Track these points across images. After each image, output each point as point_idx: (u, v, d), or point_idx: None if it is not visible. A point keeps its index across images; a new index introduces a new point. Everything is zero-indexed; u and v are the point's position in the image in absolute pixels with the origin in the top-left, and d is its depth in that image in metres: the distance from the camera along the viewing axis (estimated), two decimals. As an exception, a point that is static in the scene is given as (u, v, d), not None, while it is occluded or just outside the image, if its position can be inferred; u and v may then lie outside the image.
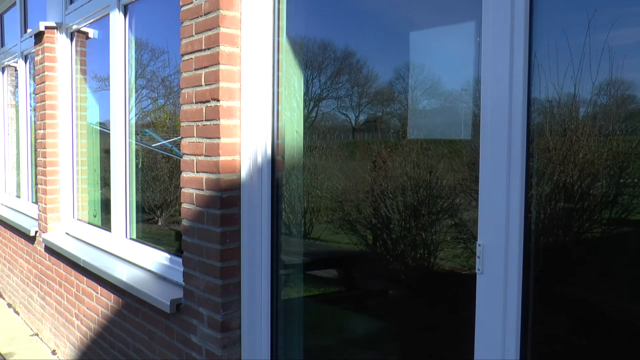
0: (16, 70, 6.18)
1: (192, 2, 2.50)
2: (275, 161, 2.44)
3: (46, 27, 4.28)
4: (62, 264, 4.18)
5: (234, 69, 2.40)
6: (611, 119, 1.45)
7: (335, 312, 2.58)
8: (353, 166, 2.44)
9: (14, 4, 5.89)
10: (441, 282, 2.01)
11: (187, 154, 2.57)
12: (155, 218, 4.16)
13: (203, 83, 2.45)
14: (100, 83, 4.19)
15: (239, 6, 2.39)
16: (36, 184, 4.79)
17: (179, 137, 2.64)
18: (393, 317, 2.23)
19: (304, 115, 2.46)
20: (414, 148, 2.07)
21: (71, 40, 4.32)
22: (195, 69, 2.50)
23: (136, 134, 3.62)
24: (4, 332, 4.96)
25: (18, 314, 5.46)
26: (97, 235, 3.92)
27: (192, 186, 2.55)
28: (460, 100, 1.81)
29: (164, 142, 3.72)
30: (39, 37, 4.40)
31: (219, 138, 2.38)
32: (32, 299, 5.03)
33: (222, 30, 2.35)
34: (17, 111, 6.35)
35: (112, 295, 3.39)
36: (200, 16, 2.45)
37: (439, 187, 2.05)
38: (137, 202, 3.57)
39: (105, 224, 3.96)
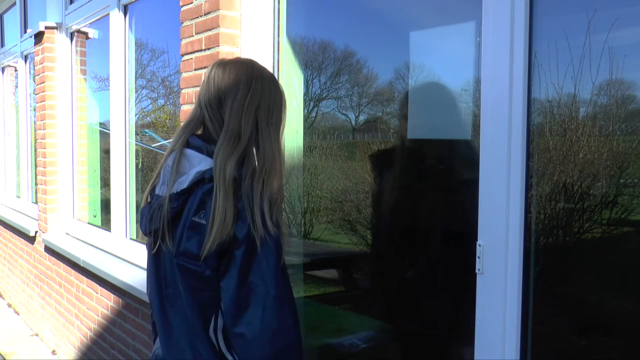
0: (16, 70, 6.18)
1: (192, 2, 2.50)
2: (275, 161, 2.44)
3: (46, 27, 4.28)
4: (62, 264, 4.18)
5: (234, 69, 2.40)
6: (611, 119, 1.45)
7: (335, 312, 2.58)
8: (353, 166, 2.44)
9: (14, 4, 5.89)
10: (441, 282, 2.01)
11: (187, 154, 2.57)
12: (155, 218, 4.14)
13: (203, 83, 2.44)
14: (100, 83, 4.19)
15: (239, 6, 2.39)
16: (36, 184, 4.79)
17: (179, 137, 2.63)
18: (393, 317, 2.23)
19: (304, 115, 2.46)
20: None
21: (71, 40, 4.32)
22: (195, 69, 2.49)
23: (136, 134, 3.62)
24: (4, 332, 4.96)
25: (18, 314, 5.46)
26: (97, 235, 3.92)
27: (192, 186, 2.54)
28: (460, 100, 1.81)
29: (164, 142, 3.72)
30: (39, 37, 4.39)
31: (219, 138, 2.37)
32: (32, 299, 5.03)
33: (222, 30, 2.35)
34: (17, 111, 6.35)
35: (112, 295, 3.39)
36: (200, 16, 2.45)
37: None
38: (137, 202, 3.57)
39: (105, 224, 3.96)
